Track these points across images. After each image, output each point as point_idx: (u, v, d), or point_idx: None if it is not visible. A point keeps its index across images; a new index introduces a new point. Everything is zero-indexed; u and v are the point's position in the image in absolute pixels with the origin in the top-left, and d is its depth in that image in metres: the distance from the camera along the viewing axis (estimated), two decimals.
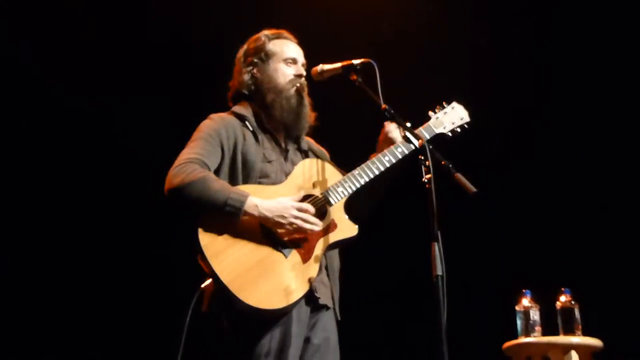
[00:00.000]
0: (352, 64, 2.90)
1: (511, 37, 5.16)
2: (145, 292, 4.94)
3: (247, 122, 2.93)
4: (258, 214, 2.69)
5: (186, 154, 2.79)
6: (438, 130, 3.11)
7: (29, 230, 5.02)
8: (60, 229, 5.04)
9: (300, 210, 2.72)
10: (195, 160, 2.77)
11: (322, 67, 2.98)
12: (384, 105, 2.71)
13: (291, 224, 2.71)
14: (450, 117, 3.16)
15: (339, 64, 2.94)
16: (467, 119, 3.19)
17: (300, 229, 2.72)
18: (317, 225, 2.75)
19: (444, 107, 3.18)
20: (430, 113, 3.15)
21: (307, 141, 3.13)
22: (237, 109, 3.00)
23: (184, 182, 2.68)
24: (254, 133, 2.93)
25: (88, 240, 5.06)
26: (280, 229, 2.72)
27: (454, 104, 3.20)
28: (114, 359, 4.94)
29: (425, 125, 3.11)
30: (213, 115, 2.97)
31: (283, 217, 2.70)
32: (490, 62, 5.19)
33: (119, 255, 5.04)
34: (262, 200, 2.73)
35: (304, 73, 3.02)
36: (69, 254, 5.01)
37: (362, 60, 2.89)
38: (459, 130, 3.17)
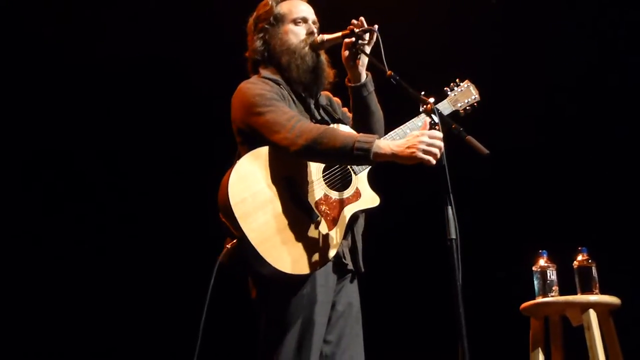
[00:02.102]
0: (353, 32, 2.86)
1: None
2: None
3: (281, 86, 2.92)
4: (390, 152, 2.62)
5: (283, 116, 2.74)
6: (455, 108, 3.12)
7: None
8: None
9: (431, 137, 2.58)
10: (299, 118, 2.76)
11: (322, 36, 2.94)
12: (389, 72, 2.68)
13: (426, 151, 2.56)
14: (465, 95, 3.16)
15: (339, 33, 2.91)
16: (478, 98, 3.18)
17: (436, 152, 2.56)
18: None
19: (458, 85, 3.17)
20: (446, 89, 3.15)
21: (327, 96, 3.12)
22: (265, 74, 2.97)
23: (310, 138, 2.66)
24: (290, 95, 2.92)
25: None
26: (418, 160, 2.58)
27: (468, 82, 3.20)
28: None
29: (443, 102, 3.10)
30: (252, 80, 2.92)
31: (416, 147, 2.57)
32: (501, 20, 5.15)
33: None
34: (389, 140, 2.73)
35: (315, 30, 2.98)
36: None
37: (363, 28, 2.86)
38: (470, 109, 3.15)
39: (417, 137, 2.59)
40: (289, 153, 2.72)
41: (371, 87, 2.97)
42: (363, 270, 2.93)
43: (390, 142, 2.67)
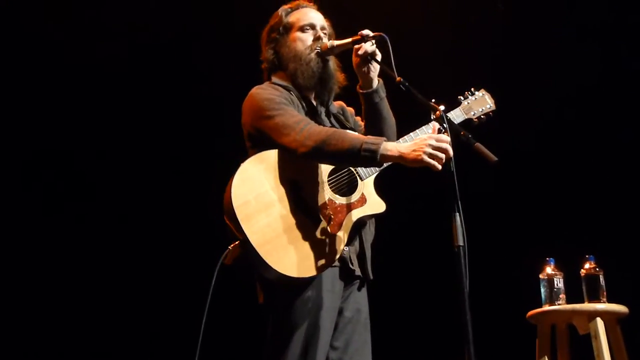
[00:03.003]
0: (364, 38, 2.87)
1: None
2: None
3: (291, 92, 2.95)
4: (397, 153, 2.64)
5: (291, 120, 2.77)
6: (467, 116, 3.12)
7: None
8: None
9: (438, 140, 2.59)
10: (308, 121, 2.79)
11: (332, 42, 2.96)
12: (398, 78, 2.69)
13: (432, 155, 2.57)
14: (479, 103, 3.16)
15: (349, 39, 2.92)
16: (493, 107, 3.18)
17: (442, 157, 2.57)
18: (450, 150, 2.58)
19: (473, 93, 3.17)
20: (460, 97, 3.15)
21: (340, 105, 3.14)
22: (276, 80, 3.01)
23: (319, 139, 2.69)
24: (299, 100, 2.95)
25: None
26: (424, 164, 2.59)
27: (483, 90, 3.20)
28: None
29: (455, 110, 3.11)
30: (262, 86, 2.96)
31: (423, 150, 2.58)
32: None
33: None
34: (397, 143, 2.75)
35: (323, 36, 3.00)
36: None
37: (373, 34, 2.86)
38: (484, 117, 3.15)
39: (424, 141, 2.62)
40: (297, 155, 2.73)
41: (382, 94, 2.98)
42: (372, 277, 2.92)
43: (397, 145, 2.70)
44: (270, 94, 2.87)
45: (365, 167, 2.85)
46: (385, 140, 2.69)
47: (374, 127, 2.96)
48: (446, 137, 2.58)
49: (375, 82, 2.96)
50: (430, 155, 2.57)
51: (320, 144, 2.68)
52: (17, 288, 4.93)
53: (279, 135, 2.76)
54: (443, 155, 2.56)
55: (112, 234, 5.12)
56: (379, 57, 2.88)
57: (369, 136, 2.74)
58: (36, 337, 4.94)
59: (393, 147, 2.66)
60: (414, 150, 2.60)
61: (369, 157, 2.64)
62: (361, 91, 2.97)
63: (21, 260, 4.98)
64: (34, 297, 4.96)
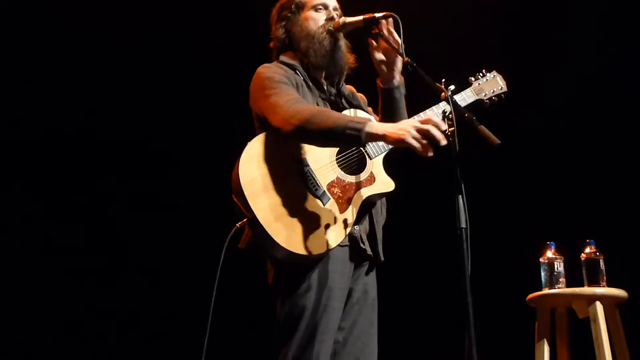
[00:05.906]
0: (374, 17, 2.86)
1: None
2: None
3: (297, 71, 2.94)
4: (382, 132, 2.60)
5: (283, 98, 2.76)
6: (478, 97, 3.10)
7: None
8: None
9: (423, 122, 2.56)
10: (298, 100, 2.77)
11: (344, 19, 2.96)
12: (406, 59, 2.68)
13: (415, 137, 2.55)
14: (490, 85, 3.13)
15: (360, 17, 2.91)
16: (505, 89, 3.16)
17: (428, 140, 2.54)
18: (443, 136, 2.53)
19: (484, 75, 3.15)
20: (471, 79, 3.13)
21: (351, 90, 3.14)
22: (284, 59, 3.00)
23: (303, 118, 2.65)
24: (305, 81, 2.94)
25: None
26: (406, 144, 2.57)
27: (494, 72, 3.18)
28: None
29: (466, 90, 3.09)
30: (267, 65, 2.95)
31: (407, 130, 2.56)
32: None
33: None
34: (384, 123, 2.71)
35: (336, 17, 2.99)
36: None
37: (384, 13, 2.86)
38: (496, 99, 3.13)
39: (409, 122, 2.62)
40: (282, 134, 2.71)
41: (403, 91, 2.98)
42: (382, 259, 2.92)
43: (383, 124, 2.66)
44: (273, 73, 2.87)
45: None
46: (370, 120, 2.67)
47: (390, 121, 2.90)
48: (435, 120, 2.54)
49: (397, 79, 2.96)
50: (414, 137, 2.54)
51: (304, 122, 2.65)
52: (24, 273, 4.97)
53: (271, 114, 2.75)
54: (425, 140, 2.53)
55: (118, 222, 5.16)
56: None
57: (355, 116, 2.73)
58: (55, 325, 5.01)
59: (379, 126, 2.63)
60: (400, 129, 2.58)
61: (354, 136, 2.60)
62: (381, 86, 2.97)
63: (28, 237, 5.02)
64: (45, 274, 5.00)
